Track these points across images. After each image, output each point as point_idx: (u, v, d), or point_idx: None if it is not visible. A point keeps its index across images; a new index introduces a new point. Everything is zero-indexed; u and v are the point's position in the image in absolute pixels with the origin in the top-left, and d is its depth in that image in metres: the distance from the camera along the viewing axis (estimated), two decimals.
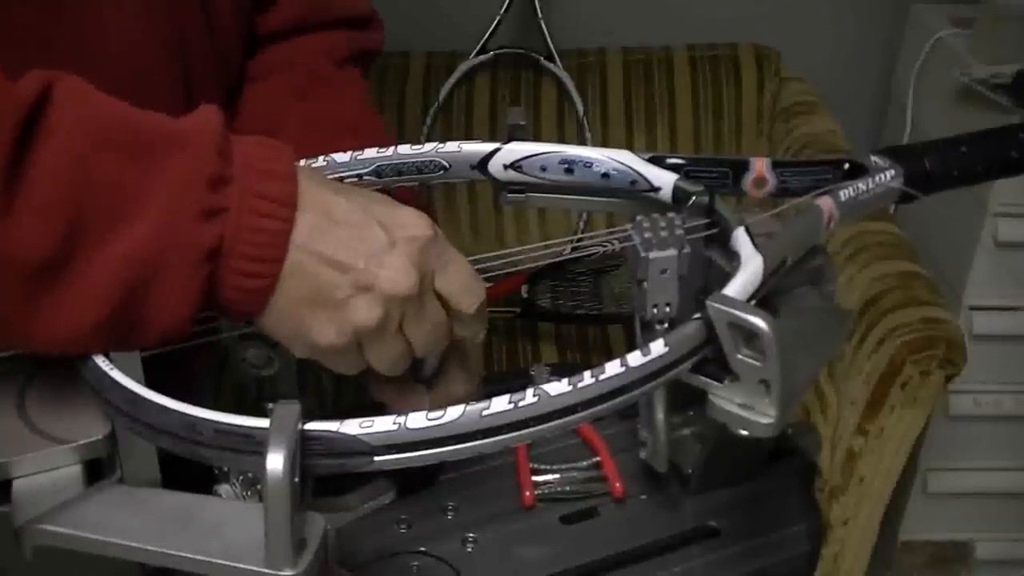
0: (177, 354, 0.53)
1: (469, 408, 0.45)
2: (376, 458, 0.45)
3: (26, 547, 0.49)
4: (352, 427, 0.45)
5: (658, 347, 0.47)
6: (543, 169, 0.66)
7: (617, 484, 0.68)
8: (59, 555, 0.50)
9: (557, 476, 0.69)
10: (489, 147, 0.67)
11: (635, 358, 0.47)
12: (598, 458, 0.70)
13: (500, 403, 0.45)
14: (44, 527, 0.48)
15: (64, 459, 0.51)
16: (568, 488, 0.69)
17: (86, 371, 0.51)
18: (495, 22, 1.71)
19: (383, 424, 0.45)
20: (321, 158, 0.65)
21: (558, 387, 0.45)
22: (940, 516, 1.72)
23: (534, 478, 0.68)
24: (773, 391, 0.47)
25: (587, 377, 0.46)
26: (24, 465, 0.50)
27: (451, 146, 0.67)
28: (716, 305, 0.47)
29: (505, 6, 1.70)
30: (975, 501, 1.71)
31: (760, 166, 0.64)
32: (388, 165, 0.67)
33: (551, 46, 1.73)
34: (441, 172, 0.67)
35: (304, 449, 0.45)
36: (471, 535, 0.65)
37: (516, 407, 0.45)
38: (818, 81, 1.81)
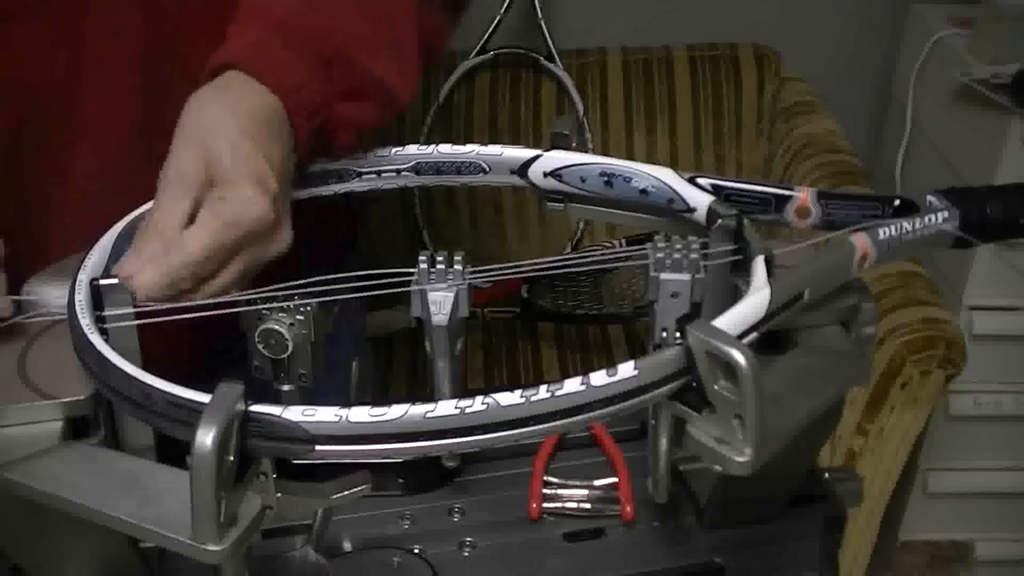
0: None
1: (413, 409, 0.44)
2: (317, 447, 0.44)
3: None
4: (295, 413, 0.44)
5: (627, 369, 0.46)
6: (583, 180, 0.66)
7: (628, 507, 0.66)
8: (49, 522, 0.51)
9: (570, 492, 0.68)
10: (530, 153, 0.67)
11: (599, 377, 0.45)
12: (615, 479, 0.69)
13: (446, 407, 0.44)
14: (4, 475, 0.49)
15: (46, 414, 0.52)
16: (578, 505, 0.68)
17: (73, 332, 0.52)
18: (495, 22, 1.71)
19: (325, 414, 0.44)
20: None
21: (509, 397, 0.44)
22: (940, 516, 1.71)
23: (545, 491, 0.68)
24: (748, 428, 0.45)
25: (542, 391, 0.45)
26: (8, 415, 0.52)
27: (493, 149, 0.67)
28: (696, 333, 0.45)
29: (505, 6, 1.70)
30: (975, 501, 1.71)
31: (804, 196, 0.63)
32: (427, 163, 0.68)
33: (551, 46, 1.73)
34: (481, 174, 0.67)
35: (247, 430, 0.44)
36: (470, 539, 0.65)
37: (462, 413, 0.44)
38: (818, 81, 1.81)
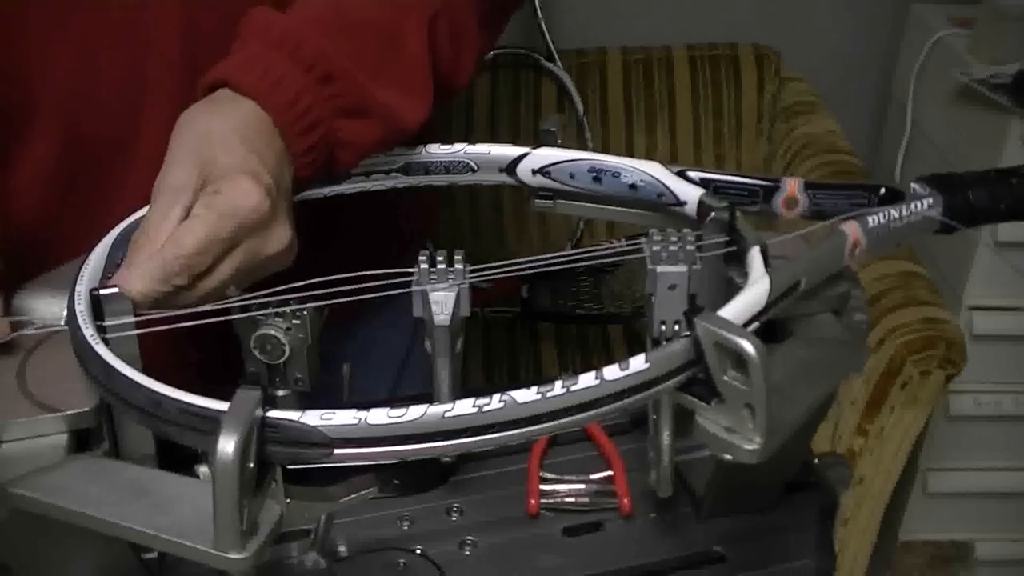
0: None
1: (432, 409, 0.44)
2: (336, 451, 0.44)
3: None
4: (313, 417, 0.44)
5: (638, 362, 0.46)
6: (571, 176, 0.66)
7: (625, 500, 0.66)
8: (51, 533, 0.51)
9: (567, 487, 0.68)
10: (518, 151, 0.67)
11: (612, 371, 0.45)
12: (611, 472, 0.68)
13: (464, 406, 0.44)
14: (11, 490, 0.49)
15: (51, 427, 0.51)
16: (575, 500, 0.67)
17: (75, 343, 0.51)
18: None
19: (343, 417, 0.44)
20: None
21: (526, 394, 0.44)
22: (940, 516, 1.71)
23: (542, 487, 0.67)
24: (758, 417, 0.45)
25: (557, 387, 0.45)
26: (12, 430, 0.51)
27: (480, 148, 0.67)
28: (704, 324, 0.46)
29: None
30: (975, 501, 1.71)
31: (792, 186, 0.63)
32: (416, 163, 0.68)
33: (551, 46, 1.73)
34: (469, 173, 0.67)
35: (265, 436, 0.44)
36: (470, 538, 0.65)
37: (480, 411, 0.44)
38: (818, 81, 1.81)
